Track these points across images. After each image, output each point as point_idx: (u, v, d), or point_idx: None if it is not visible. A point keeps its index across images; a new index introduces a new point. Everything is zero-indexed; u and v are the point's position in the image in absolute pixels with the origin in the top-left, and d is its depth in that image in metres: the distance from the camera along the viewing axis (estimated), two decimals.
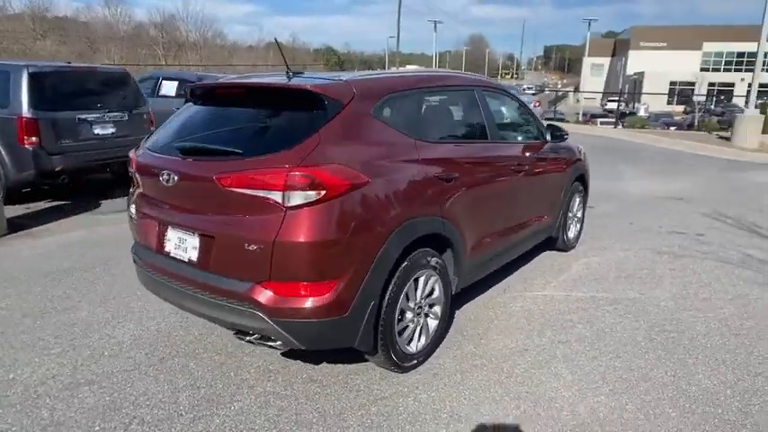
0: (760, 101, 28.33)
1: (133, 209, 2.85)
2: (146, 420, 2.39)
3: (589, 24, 51.94)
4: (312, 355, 2.88)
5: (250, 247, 2.26)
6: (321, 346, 2.53)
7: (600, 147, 12.74)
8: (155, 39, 61.97)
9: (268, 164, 2.25)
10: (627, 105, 39.61)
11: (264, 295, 2.29)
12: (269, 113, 2.59)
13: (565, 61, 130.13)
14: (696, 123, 20.84)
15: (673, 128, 20.86)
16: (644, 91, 43.32)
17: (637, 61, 55.96)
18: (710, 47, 56.41)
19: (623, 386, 2.70)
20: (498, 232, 3.52)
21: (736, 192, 8.01)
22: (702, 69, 54.22)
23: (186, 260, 2.54)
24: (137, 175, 2.81)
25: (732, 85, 45.70)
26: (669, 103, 43.92)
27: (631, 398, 2.60)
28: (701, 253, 4.87)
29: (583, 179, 4.92)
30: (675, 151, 12.56)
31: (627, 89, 54.12)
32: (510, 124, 4.07)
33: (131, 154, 2.92)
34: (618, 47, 68.69)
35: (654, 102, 37.67)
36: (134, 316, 3.46)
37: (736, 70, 54.20)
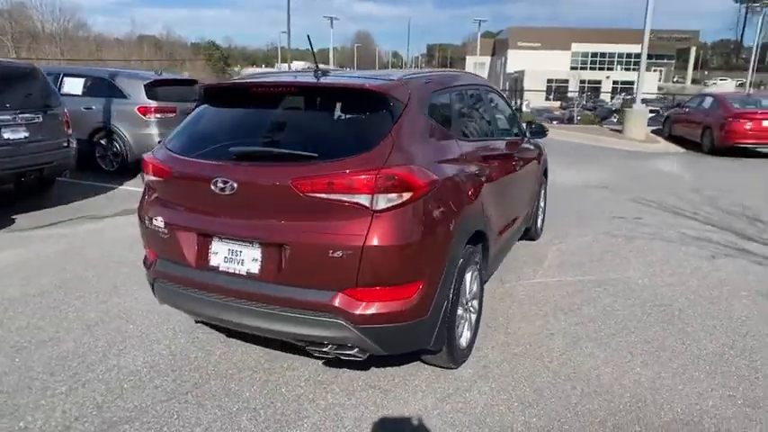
0: (628, 96, 31.91)
1: (157, 220, 2.58)
2: None
3: (479, 25, 55.31)
4: (351, 362, 2.82)
5: (335, 254, 2.19)
6: (401, 349, 2.51)
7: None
8: (1, 29, 54.44)
9: (350, 166, 2.20)
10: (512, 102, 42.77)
11: (350, 303, 2.24)
12: (328, 115, 2.51)
13: (447, 59, 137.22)
14: (576, 118, 23.08)
15: (555, 122, 22.94)
16: (525, 88, 47.11)
17: (515, 60, 60.58)
18: (578, 47, 63.04)
19: (650, 357, 3.02)
20: (507, 225, 3.72)
21: (644, 179, 9.10)
22: (572, 68, 60.37)
23: (244, 273, 2.38)
24: (165, 183, 2.56)
25: (599, 82, 51.26)
26: (547, 99, 48.19)
27: (662, 367, 2.92)
28: (647, 234, 5.52)
29: (546, 171, 5.34)
30: (578, 144, 13.90)
31: (508, 86, 58.42)
32: (503, 120, 4.29)
33: (149, 158, 2.66)
34: (497, 46, 73.73)
35: (534, 98, 41.07)
36: (134, 341, 3.13)
37: (599, 68, 61.20)
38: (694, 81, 66.01)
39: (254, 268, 2.37)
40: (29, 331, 3.23)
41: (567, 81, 50.69)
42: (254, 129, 2.64)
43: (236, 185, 2.30)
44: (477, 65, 74.84)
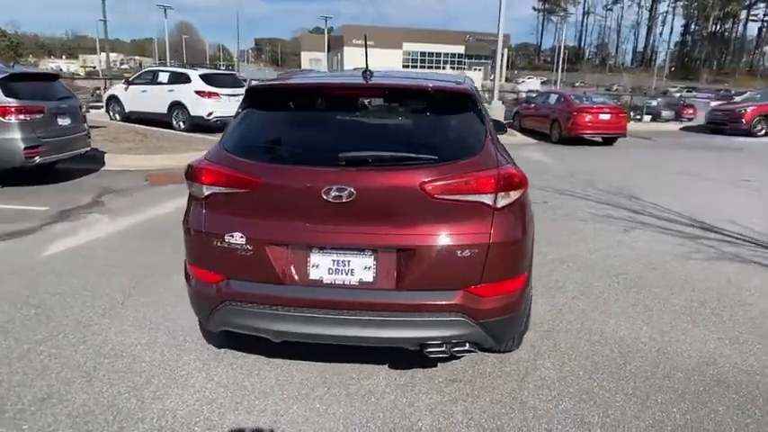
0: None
1: (234, 236, 2.32)
2: None
3: (326, 21, 55.47)
4: (414, 362, 2.90)
5: (462, 253, 2.25)
6: (508, 339, 2.63)
7: None
8: None
9: (473, 168, 2.28)
10: None
11: (473, 300, 2.33)
12: (420, 117, 2.52)
13: (278, 54, 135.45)
14: None
15: None
16: None
17: (352, 57, 62.55)
18: (409, 47, 67.53)
19: (644, 317, 3.60)
20: None
21: (523, 167, 10.30)
22: (404, 66, 64.50)
23: (355, 283, 2.31)
24: (249, 194, 2.33)
25: None
26: None
27: (659, 323, 3.52)
28: (565, 216, 6.37)
29: None
30: None
31: None
32: None
33: (214, 167, 2.38)
34: (332, 43, 75.12)
35: None
36: (162, 379, 2.75)
37: (429, 67, 66.45)
38: (507, 80, 75.11)
39: (368, 277, 2.30)
40: (23, 374, 2.63)
41: None
42: (343, 132, 2.53)
43: (354, 192, 2.21)
44: (313, 61, 75.51)
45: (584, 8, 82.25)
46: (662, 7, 76.25)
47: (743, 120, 16.55)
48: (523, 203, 2.46)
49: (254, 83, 2.67)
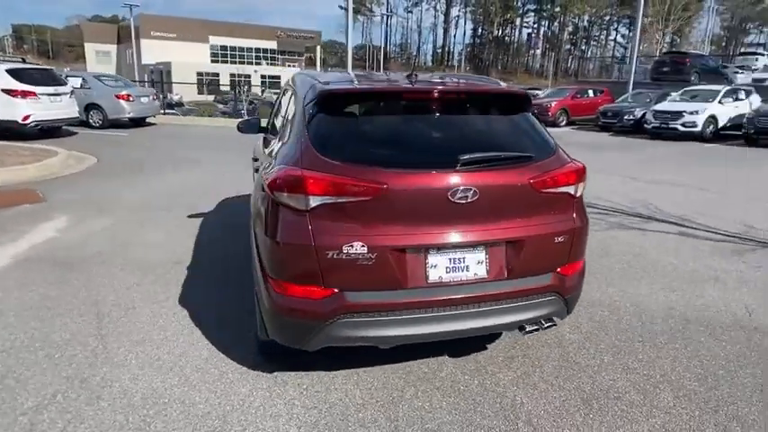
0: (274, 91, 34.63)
1: (354, 246, 2.32)
2: None
3: (131, 9, 49.54)
4: (452, 350, 3.17)
5: (558, 239, 2.61)
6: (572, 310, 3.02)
7: (226, 137, 13.47)
8: None
9: (560, 162, 2.65)
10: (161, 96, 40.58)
11: (561, 279, 2.70)
12: (495, 118, 2.79)
13: (48, 45, 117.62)
14: (242, 111, 24.12)
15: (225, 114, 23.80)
16: (174, 81, 45.34)
17: (150, 50, 57.57)
18: (216, 40, 64.38)
19: (662, 286, 4.34)
20: None
21: None
22: (213, 61, 61.51)
23: (471, 278, 2.50)
24: (370, 201, 2.34)
25: (249, 76, 53.95)
26: (200, 93, 47.94)
27: (676, 291, 4.34)
28: None
29: None
30: None
31: (148, 78, 55.08)
32: None
33: (322, 176, 2.33)
34: (122, 34, 67.99)
35: (185, 92, 40.05)
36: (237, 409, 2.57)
37: (240, 62, 64.31)
38: None
39: (481, 271, 2.51)
40: None
41: (218, 74, 51.36)
42: (442, 135, 2.66)
43: (478, 192, 2.40)
44: (101, 53, 67.40)
45: (387, 9, 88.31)
46: (454, 11, 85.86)
47: (549, 112, 19.85)
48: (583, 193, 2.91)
49: (329, 87, 2.59)
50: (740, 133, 14.89)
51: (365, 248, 2.34)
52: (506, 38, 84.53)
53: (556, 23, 79.42)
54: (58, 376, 2.81)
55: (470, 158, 2.44)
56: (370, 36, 68.65)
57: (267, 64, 63.05)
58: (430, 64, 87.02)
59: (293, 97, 3.16)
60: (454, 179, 2.41)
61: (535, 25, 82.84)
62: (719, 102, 15.92)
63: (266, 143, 4.01)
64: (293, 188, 2.35)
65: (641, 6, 22.10)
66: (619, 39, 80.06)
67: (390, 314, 2.43)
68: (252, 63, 64.56)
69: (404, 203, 2.39)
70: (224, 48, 65.16)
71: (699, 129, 15.36)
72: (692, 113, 15.47)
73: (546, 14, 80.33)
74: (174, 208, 6.45)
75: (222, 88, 45.22)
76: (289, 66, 65.31)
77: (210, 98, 44.22)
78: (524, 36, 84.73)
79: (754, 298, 4.09)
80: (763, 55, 29.40)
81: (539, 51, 72.72)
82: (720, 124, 15.89)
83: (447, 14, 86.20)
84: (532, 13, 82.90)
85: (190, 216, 6.10)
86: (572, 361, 3.12)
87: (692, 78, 21.76)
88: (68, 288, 3.97)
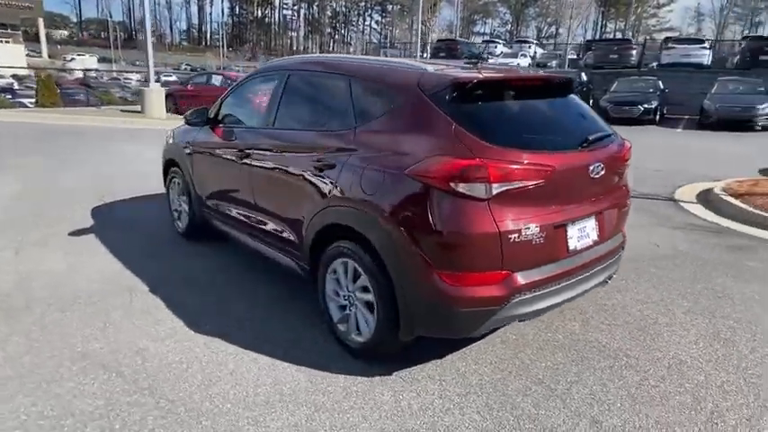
0: None
1: (530, 227, 2.50)
2: None
3: None
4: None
5: (624, 203, 3.17)
6: None
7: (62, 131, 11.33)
8: None
9: (621, 138, 3.16)
10: None
11: (624, 238, 3.30)
12: (569, 101, 3.12)
13: None
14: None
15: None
16: None
17: None
18: None
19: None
20: None
21: None
22: None
23: (590, 243, 2.87)
24: (542, 182, 2.53)
25: None
26: None
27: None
28: None
29: None
30: (107, 128, 12.99)
31: None
32: None
33: (509, 164, 2.46)
34: None
35: None
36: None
37: None
38: (51, 56, 65.38)
39: (594, 236, 2.89)
40: None
41: None
42: (559, 118, 2.96)
43: (604, 167, 2.76)
44: None
45: None
46: None
47: None
48: None
49: (462, 75, 2.59)
50: None
51: (537, 228, 2.53)
52: (266, 18, 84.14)
53: (315, 6, 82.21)
54: None
55: (595, 137, 2.79)
56: (108, 10, 60.43)
57: None
58: (185, 44, 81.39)
59: (357, 85, 3.04)
60: (592, 157, 2.76)
61: (295, 7, 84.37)
62: None
63: (230, 135, 4.03)
64: (472, 178, 2.38)
65: None
66: (373, 24, 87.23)
67: (547, 286, 2.66)
68: None
69: (562, 182, 2.64)
70: None
71: None
72: None
73: None
74: None
75: None
76: (5, 41, 53.61)
77: None
78: (284, 17, 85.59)
79: None
80: (500, 43, 35.71)
81: (301, 33, 74.41)
82: None
83: None
84: None
85: None
86: (581, 340, 3.75)
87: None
88: None
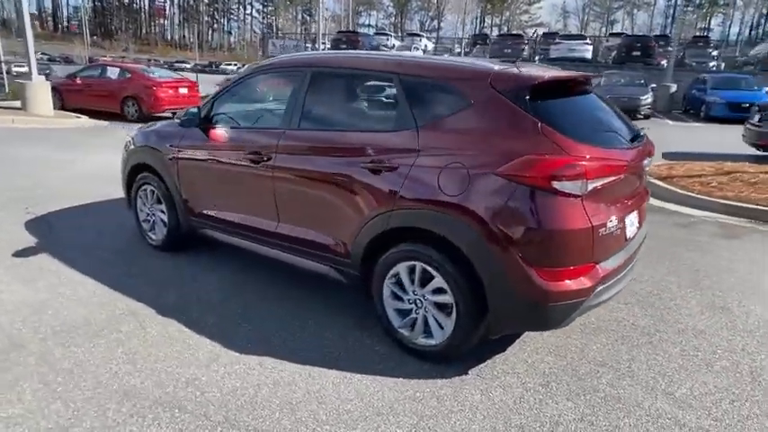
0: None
1: (612, 221, 2.69)
2: None
3: None
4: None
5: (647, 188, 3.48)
6: None
7: None
8: None
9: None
10: None
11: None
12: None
13: None
14: None
15: None
16: None
17: None
18: None
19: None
20: None
21: None
22: None
23: (635, 230, 3.10)
24: (619, 178, 2.74)
25: None
26: None
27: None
28: None
29: None
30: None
31: None
32: None
33: (598, 161, 2.60)
34: None
35: None
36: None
37: None
38: None
39: (636, 223, 3.13)
40: None
41: None
42: (601, 115, 3.10)
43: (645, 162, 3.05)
44: None
45: None
46: None
47: None
48: None
49: (540, 75, 2.65)
50: None
51: (616, 220, 2.73)
52: (134, 4, 77.77)
53: None
54: None
55: (641, 134, 3.03)
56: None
57: None
58: (39, 30, 72.65)
59: (412, 84, 2.98)
60: (644, 150, 3.02)
61: None
62: None
63: (236, 137, 3.80)
64: (571, 176, 2.48)
65: None
66: (254, 14, 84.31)
67: (617, 273, 2.86)
68: None
69: (630, 176, 2.88)
70: None
71: None
72: None
73: None
74: None
75: None
76: None
77: None
78: (153, 2, 79.73)
79: None
80: (392, 35, 36.37)
81: (175, 21, 69.92)
82: None
83: None
84: None
85: None
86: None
87: None
88: None
